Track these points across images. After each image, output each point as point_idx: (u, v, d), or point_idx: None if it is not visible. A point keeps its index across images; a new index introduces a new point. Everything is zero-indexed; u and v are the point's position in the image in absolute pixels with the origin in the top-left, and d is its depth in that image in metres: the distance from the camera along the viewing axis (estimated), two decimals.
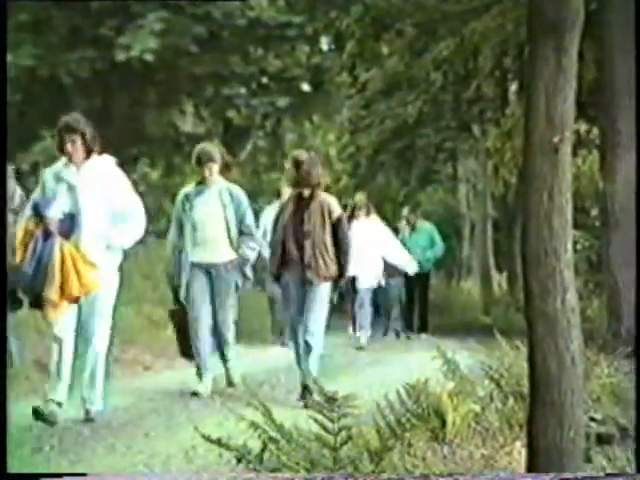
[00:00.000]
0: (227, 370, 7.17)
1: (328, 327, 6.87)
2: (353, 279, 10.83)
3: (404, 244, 12.17)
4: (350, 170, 18.99)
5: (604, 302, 9.66)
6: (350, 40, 15.94)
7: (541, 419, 3.74)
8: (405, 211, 13.24)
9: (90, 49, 15.76)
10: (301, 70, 18.46)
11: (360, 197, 11.56)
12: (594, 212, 10.99)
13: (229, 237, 6.98)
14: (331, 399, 3.81)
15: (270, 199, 10.20)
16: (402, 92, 16.18)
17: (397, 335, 12.31)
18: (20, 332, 7.42)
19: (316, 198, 6.69)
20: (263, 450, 3.82)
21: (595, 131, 10.07)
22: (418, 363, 7.28)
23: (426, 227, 12.94)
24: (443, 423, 5.25)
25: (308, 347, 6.60)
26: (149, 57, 15.29)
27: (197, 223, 6.96)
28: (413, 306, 12.70)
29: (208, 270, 6.97)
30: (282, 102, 17.74)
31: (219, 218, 6.96)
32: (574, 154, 4.22)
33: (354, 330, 11.31)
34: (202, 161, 7.01)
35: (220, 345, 7.08)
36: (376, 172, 17.93)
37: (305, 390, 6.62)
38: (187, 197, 7.04)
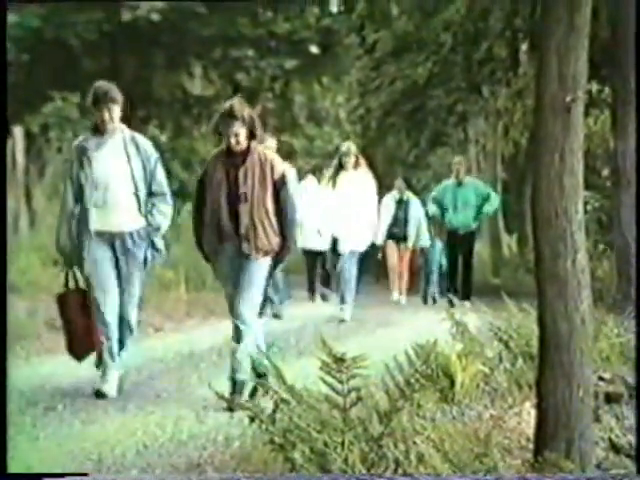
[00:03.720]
0: (107, 366, 5.76)
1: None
2: (334, 241, 9.61)
3: (452, 200, 11.32)
4: (360, 132, 18.90)
5: (614, 262, 9.65)
6: (359, 1, 15.79)
7: (550, 379, 3.76)
8: (456, 159, 11.89)
9: (97, 10, 15.67)
10: (310, 32, 18.35)
11: (348, 145, 9.95)
12: (605, 172, 10.93)
13: (137, 199, 5.72)
14: (339, 360, 3.82)
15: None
16: (412, 53, 16.04)
17: (434, 301, 11.64)
18: (32, 292, 7.45)
19: (253, 152, 5.47)
20: (275, 410, 3.84)
21: (607, 90, 10.00)
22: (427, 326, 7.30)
23: (474, 182, 11.83)
24: (452, 384, 5.28)
25: (238, 333, 5.43)
26: (156, 17, 15.19)
27: (97, 182, 5.66)
28: (455, 270, 11.50)
29: (112, 241, 5.70)
30: (291, 64, 17.68)
31: (124, 175, 5.70)
32: (585, 114, 4.19)
33: (339, 302, 9.63)
34: (100, 101, 5.69)
35: (123, 333, 5.80)
36: (386, 134, 17.83)
37: (235, 385, 5.46)
38: (83, 150, 5.70)
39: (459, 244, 11.43)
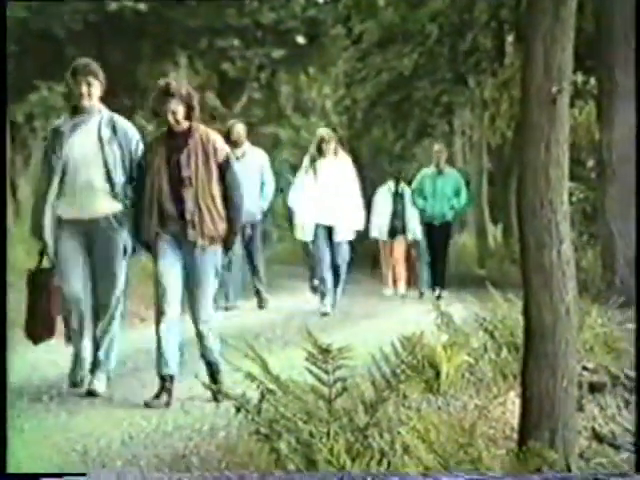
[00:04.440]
0: (97, 364, 5.50)
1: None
2: (326, 229, 9.20)
3: (431, 189, 11.16)
4: (346, 123, 18.89)
5: (598, 253, 9.70)
6: None
7: (535, 369, 3.78)
8: (436, 147, 11.70)
9: (83, 1, 15.61)
10: (296, 22, 18.31)
11: (326, 131, 9.64)
12: (590, 163, 10.97)
13: (110, 183, 5.36)
14: (325, 351, 3.82)
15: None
16: (398, 44, 16.03)
17: (420, 295, 11.29)
18: (17, 282, 7.41)
19: (194, 133, 5.23)
20: (261, 401, 3.85)
21: (592, 82, 10.03)
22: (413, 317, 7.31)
23: (453, 173, 11.59)
24: (437, 374, 5.30)
25: (200, 337, 5.29)
26: (141, 7, 15.13)
27: (68, 166, 5.36)
28: (433, 262, 11.34)
29: (85, 228, 5.39)
30: (277, 54, 17.63)
31: (96, 159, 5.36)
32: (571, 105, 4.20)
33: (320, 295, 9.34)
34: (78, 73, 5.39)
35: (104, 324, 5.50)
36: (372, 125, 17.82)
37: (209, 366, 5.36)
38: (57, 132, 5.42)
39: (435, 235, 11.25)
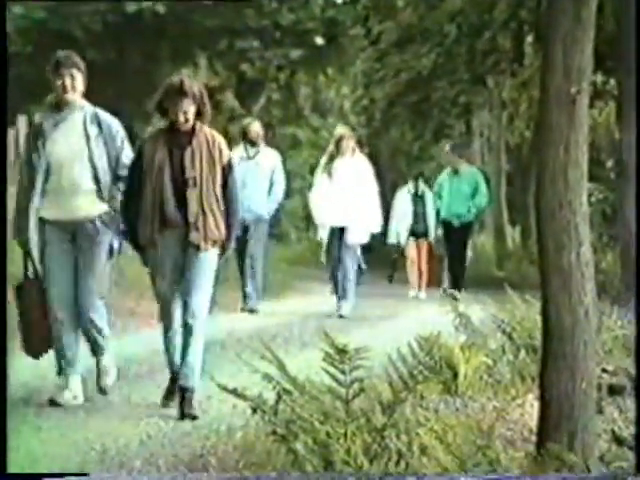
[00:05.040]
0: (98, 369, 5.33)
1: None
2: (341, 231, 9.02)
3: (447, 189, 10.99)
4: (364, 123, 18.90)
5: (617, 255, 9.65)
6: None
7: (553, 371, 3.76)
8: (447, 147, 11.62)
9: (102, 2, 15.67)
10: (315, 23, 18.33)
11: (344, 129, 9.35)
12: (609, 164, 10.92)
13: (97, 183, 5.12)
14: (342, 351, 3.82)
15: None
16: (416, 44, 16.03)
17: (444, 296, 10.79)
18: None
19: (199, 132, 4.98)
20: (277, 402, 3.85)
21: (612, 82, 9.99)
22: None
23: (471, 172, 11.28)
24: (455, 376, 5.28)
25: (189, 331, 4.98)
26: (160, 8, 15.19)
27: (52, 165, 5.09)
28: (452, 263, 11.18)
29: (70, 230, 5.14)
30: (296, 55, 17.66)
31: (81, 157, 5.09)
32: (590, 105, 4.18)
33: (337, 298, 9.12)
34: (61, 65, 5.12)
35: (89, 333, 5.21)
36: (390, 125, 17.82)
37: (181, 392, 5.00)
38: (38, 129, 5.16)
39: (454, 235, 11.09)
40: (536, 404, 4.14)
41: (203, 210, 4.92)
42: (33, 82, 15.10)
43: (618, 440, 4.35)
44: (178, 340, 5.05)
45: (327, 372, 3.84)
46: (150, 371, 6.11)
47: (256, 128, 9.34)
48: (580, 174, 3.75)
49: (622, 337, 6.06)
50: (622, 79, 9.34)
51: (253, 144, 9.20)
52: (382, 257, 12.50)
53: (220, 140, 5.03)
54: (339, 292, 9.09)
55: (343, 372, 3.81)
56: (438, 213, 11.35)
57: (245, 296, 9.21)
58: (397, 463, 3.58)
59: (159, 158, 4.92)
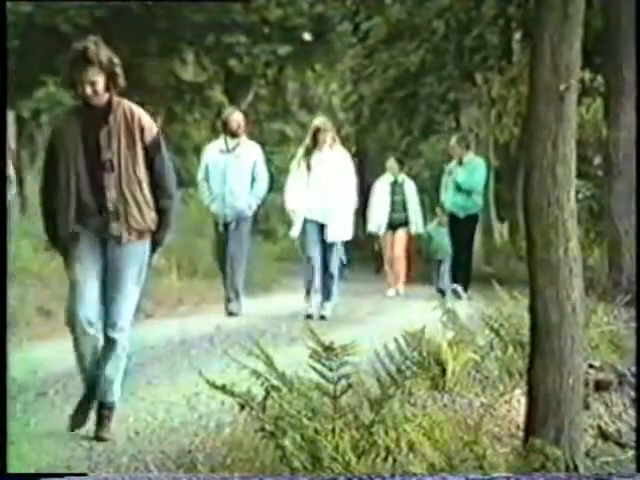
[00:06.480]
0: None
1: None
2: (321, 228, 8.43)
3: (450, 181, 10.38)
4: (352, 119, 18.89)
5: (605, 251, 9.69)
6: None
7: (541, 367, 3.77)
8: (453, 140, 10.87)
9: None
10: (303, 19, 18.30)
11: (323, 120, 8.71)
12: (597, 161, 10.95)
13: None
14: (328, 348, 3.82)
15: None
16: (404, 41, 16.04)
17: (442, 294, 9.82)
18: (23, 278, 7.42)
19: (116, 108, 4.36)
20: (266, 398, 3.85)
21: (599, 79, 10.01)
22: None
23: (475, 163, 10.65)
24: (443, 372, 5.29)
25: (111, 345, 4.42)
26: (148, 2, 15.14)
27: None
28: (456, 258, 10.45)
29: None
30: (284, 50, 17.63)
31: None
32: (578, 102, 4.19)
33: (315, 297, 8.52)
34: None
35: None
36: (378, 121, 17.82)
37: (99, 413, 4.49)
38: None
39: (458, 228, 10.40)
40: (523, 400, 4.15)
41: (123, 197, 4.33)
42: (20, 76, 15.05)
43: (604, 436, 4.38)
44: (95, 350, 4.43)
45: (314, 369, 3.84)
46: (140, 365, 6.11)
47: (237, 118, 8.75)
48: (568, 171, 3.76)
49: (609, 333, 6.08)
50: (609, 76, 9.38)
51: (234, 135, 8.66)
52: (365, 249, 12.34)
53: (141, 114, 4.40)
54: (323, 292, 8.51)
55: (330, 369, 3.81)
56: (442, 205, 10.65)
57: (225, 298, 8.70)
58: (385, 459, 3.59)
59: (71, 139, 4.35)
